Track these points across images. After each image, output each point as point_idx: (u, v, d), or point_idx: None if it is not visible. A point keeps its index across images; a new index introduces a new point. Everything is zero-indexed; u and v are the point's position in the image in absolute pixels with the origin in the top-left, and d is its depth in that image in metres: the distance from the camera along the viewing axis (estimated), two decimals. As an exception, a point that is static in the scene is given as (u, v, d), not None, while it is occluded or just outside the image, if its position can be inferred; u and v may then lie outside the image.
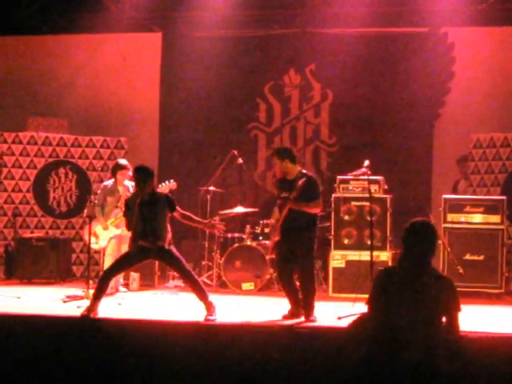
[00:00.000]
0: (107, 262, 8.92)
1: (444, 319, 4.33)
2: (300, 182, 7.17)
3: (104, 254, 9.11)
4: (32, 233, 10.73)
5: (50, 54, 12.03)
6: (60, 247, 10.40)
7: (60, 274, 10.28)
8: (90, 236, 8.59)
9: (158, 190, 8.02)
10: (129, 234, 8.51)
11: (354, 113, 11.48)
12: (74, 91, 11.86)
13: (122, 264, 7.43)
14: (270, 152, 7.78)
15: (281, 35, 11.60)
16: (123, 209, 8.72)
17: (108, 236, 9.01)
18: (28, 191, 10.91)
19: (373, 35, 11.30)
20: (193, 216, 7.43)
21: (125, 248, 8.90)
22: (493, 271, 9.11)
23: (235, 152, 10.26)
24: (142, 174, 7.20)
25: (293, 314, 7.33)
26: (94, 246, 9.01)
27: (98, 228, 8.97)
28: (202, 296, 7.07)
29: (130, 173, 9.06)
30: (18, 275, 10.23)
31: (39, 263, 10.19)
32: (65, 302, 8.13)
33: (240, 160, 10.28)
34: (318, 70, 11.61)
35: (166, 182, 8.25)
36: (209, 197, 10.09)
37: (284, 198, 7.30)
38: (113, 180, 9.23)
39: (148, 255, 7.23)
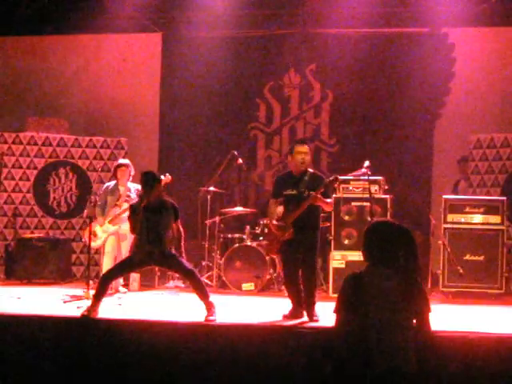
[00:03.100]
0: (106, 260, 9.01)
1: (415, 321, 4.26)
2: (328, 181, 7.24)
3: (103, 253, 9.14)
4: (32, 233, 10.72)
5: (49, 54, 12.04)
6: (60, 247, 10.40)
7: (60, 275, 10.28)
8: (90, 236, 8.56)
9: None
10: (125, 230, 8.56)
11: (354, 113, 11.48)
12: (75, 91, 11.87)
13: (124, 268, 7.43)
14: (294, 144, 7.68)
15: (281, 35, 11.60)
16: (122, 209, 8.79)
17: (104, 234, 9.02)
18: (28, 191, 10.91)
19: (373, 35, 11.30)
20: (182, 240, 7.35)
21: (124, 245, 8.93)
22: (493, 271, 9.09)
23: (235, 152, 10.26)
24: (148, 179, 7.18)
25: (293, 315, 7.32)
26: (92, 244, 9.01)
27: (97, 228, 9.00)
28: (203, 296, 7.07)
29: (133, 172, 9.09)
30: (18, 275, 10.21)
31: (39, 263, 10.18)
32: (65, 302, 8.10)
33: (240, 160, 10.28)
34: (318, 70, 11.62)
35: (162, 177, 8.25)
36: (209, 197, 10.09)
37: (295, 195, 7.23)
38: (115, 181, 9.26)
39: (150, 260, 7.22)
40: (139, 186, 8.66)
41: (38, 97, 11.83)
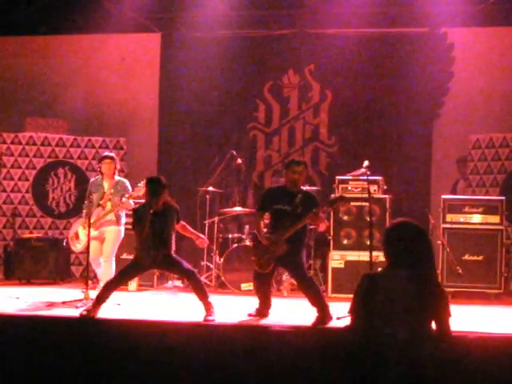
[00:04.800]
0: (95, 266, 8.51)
1: (434, 325, 4.22)
2: (333, 198, 7.62)
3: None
4: (31, 233, 10.72)
5: (49, 54, 12.03)
6: (59, 247, 10.39)
7: (59, 275, 10.28)
8: (89, 236, 8.30)
9: (136, 189, 8.05)
10: (108, 232, 8.36)
11: (353, 113, 11.48)
12: (74, 92, 11.87)
13: (129, 273, 7.42)
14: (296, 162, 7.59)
15: (280, 35, 11.60)
16: (103, 213, 8.33)
17: (86, 237, 8.38)
18: (27, 192, 10.92)
19: (372, 35, 11.30)
20: (189, 227, 7.52)
21: (106, 247, 8.43)
22: (492, 271, 9.10)
23: (234, 152, 10.26)
24: (156, 187, 7.12)
25: (259, 313, 7.36)
26: (73, 248, 8.79)
27: (79, 229, 8.63)
28: (203, 296, 7.08)
29: (118, 166, 8.70)
30: (17, 275, 10.21)
31: (38, 263, 10.18)
32: (64, 303, 8.09)
33: (239, 160, 10.28)
34: (317, 71, 11.61)
35: (141, 183, 7.99)
36: (208, 197, 10.09)
37: (287, 211, 7.18)
38: (99, 176, 8.66)
39: (154, 264, 7.28)
40: (128, 183, 8.56)
41: (37, 97, 11.82)
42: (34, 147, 10.94)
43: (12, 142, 10.88)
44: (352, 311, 4.26)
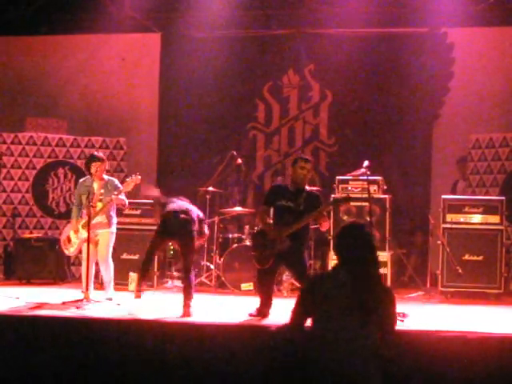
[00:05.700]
0: (84, 268, 8.25)
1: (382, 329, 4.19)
2: (339, 198, 7.75)
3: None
4: (31, 233, 10.72)
5: (49, 54, 12.03)
6: (59, 248, 10.35)
7: (59, 275, 10.27)
8: (88, 237, 8.23)
9: (125, 184, 8.13)
10: (101, 234, 8.31)
11: (353, 113, 11.48)
12: (73, 92, 11.87)
13: None
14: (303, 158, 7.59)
15: (280, 35, 11.60)
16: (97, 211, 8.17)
17: (77, 240, 8.31)
18: (27, 192, 10.91)
19: (372, 35, 11.30)
20: None
21: (100, 249, 8.31)
22: (492, 271, 9.09)
23: (234, 152, 10.26)
24: None
25: (260, 313, 7.33)
26: (66, 252, 8.65)
27: (70, 233, 8.44)
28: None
29: (107, 166, 8.61)
30: (17, 275, 10.20)
31: (38, 263, 10.17)
32: (64, 303, 8.08)
33: (239, 160, 10.28)
34: (317, 71, 11.62)
35: (132, 176, 8.08)
36: (208, 197, 10.09)
37: (291, 208, 7.23)
38: (88, 177, 8.47)
39: None
40: (117, 181, 8.53)
41: (37, 97, 11.82)
42: (33, 147, 10.93)
43: (12, 142, 10.87)
44: (292, 310, 4.30)
